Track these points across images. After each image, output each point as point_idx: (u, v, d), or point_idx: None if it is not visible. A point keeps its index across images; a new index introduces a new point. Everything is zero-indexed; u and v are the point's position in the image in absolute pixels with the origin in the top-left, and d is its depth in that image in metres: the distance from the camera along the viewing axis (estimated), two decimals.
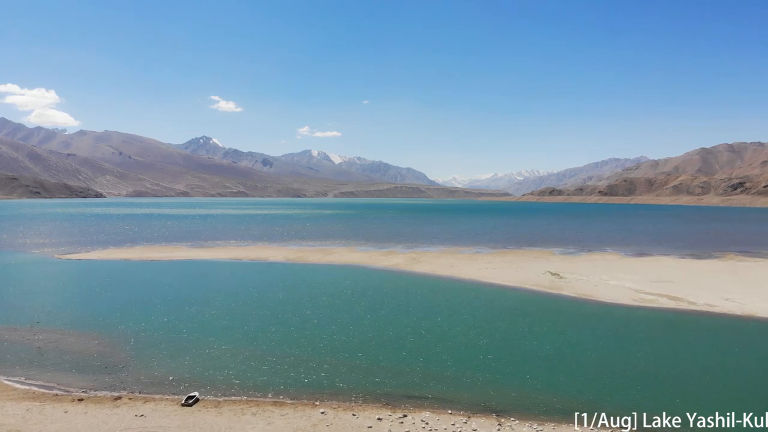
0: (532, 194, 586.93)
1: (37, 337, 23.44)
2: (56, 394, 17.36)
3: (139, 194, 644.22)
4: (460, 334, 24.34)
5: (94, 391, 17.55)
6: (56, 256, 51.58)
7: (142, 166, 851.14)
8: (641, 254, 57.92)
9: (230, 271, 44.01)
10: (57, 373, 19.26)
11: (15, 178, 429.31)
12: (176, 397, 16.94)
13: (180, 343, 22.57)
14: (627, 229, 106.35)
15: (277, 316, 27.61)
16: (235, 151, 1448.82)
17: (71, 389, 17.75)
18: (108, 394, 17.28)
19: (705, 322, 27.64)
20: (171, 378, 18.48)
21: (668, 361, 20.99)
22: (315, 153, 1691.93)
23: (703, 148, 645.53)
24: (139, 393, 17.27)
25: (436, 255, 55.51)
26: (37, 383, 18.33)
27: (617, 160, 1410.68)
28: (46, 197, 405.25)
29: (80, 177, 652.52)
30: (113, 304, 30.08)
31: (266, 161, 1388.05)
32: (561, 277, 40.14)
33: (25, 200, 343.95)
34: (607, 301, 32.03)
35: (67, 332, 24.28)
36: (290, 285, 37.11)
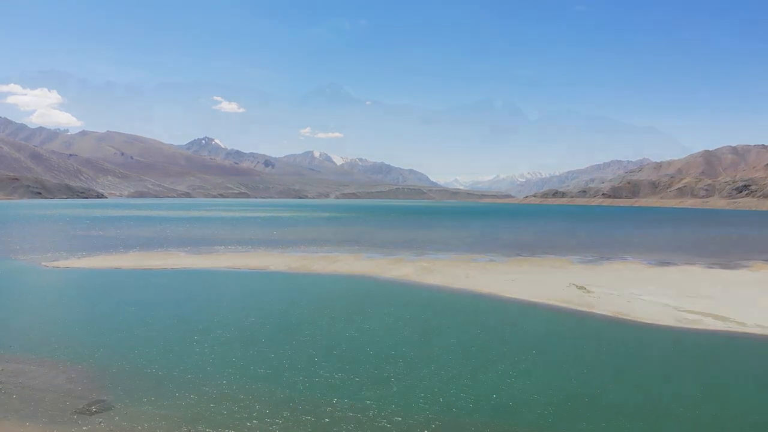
0: (534, 196, 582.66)
1: (2, 369, 20.26)
2: None
3: (141, 195, 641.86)
4: (487, 367, 21.06)
5: None
6: (43, 263, 48.40)
7: (143, 167, 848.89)
8: (665, 263, 54.58)
9: (228, 283, 40.81)
10: (17, 419, 16.05)
11: (16, 179, 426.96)
12: None
13: (164, 379, 19.34)
14: (639, 234, 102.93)
15: (279, 342, 24.41)
16: (237, 152, 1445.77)
17: None
18: None
19: (765, 348, 24.37)
20: None
21: (746, 404, 17.73)
22: (317, 154, 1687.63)
23: (706, 150, 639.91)
24: None
25: (448, 263, 52.25)
26: None
27: (619, 162, 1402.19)
28: (48, 198, 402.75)
29: (82, 177, 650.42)
30: (96, 325, 26.92)
31: (268, 162, 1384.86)
32: (588, 291, 36.86)
33: (26, 201, 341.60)
34: (647, 321, 28.73)
35: (39, 362, 21.08)
36: (293, 300, 33.87)
